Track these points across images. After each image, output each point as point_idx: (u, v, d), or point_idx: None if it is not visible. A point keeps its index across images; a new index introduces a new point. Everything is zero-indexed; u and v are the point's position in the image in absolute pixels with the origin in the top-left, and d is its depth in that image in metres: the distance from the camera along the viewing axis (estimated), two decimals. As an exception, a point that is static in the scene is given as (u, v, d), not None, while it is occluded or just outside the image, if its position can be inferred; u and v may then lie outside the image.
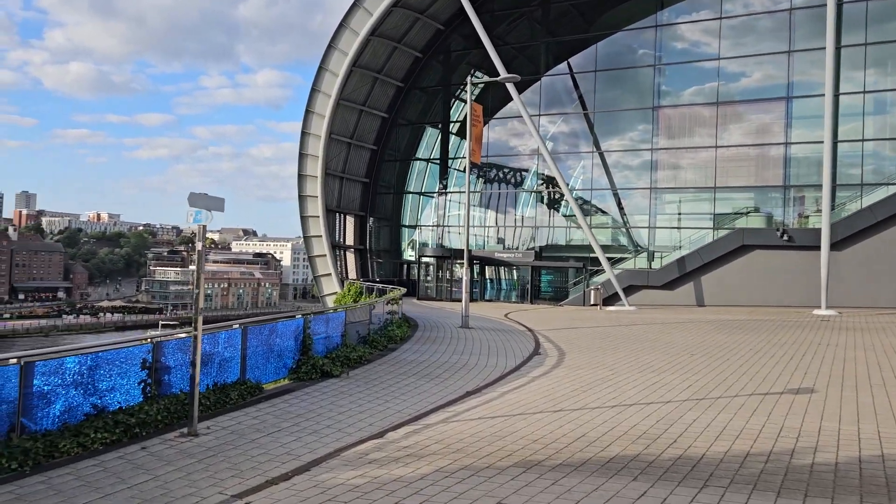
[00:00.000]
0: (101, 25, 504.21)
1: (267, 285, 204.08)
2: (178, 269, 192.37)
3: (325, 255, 43.00)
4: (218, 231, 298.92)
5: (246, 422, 10.10)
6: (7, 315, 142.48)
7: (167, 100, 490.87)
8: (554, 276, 42.22)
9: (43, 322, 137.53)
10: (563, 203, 42.65)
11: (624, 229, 41.15)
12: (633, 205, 41.09)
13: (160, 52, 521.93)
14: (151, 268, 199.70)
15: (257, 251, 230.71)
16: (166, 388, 10.07)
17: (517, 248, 42.70)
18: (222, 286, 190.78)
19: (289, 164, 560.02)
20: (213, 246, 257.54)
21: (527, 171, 45.54)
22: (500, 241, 44.92)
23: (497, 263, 42.88)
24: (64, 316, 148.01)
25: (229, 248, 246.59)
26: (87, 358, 8.79)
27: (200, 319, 9.36)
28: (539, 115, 42.38)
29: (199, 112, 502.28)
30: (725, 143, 37.93)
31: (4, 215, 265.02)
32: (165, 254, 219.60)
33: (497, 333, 22.51)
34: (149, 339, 9.83)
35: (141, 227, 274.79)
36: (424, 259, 43.16)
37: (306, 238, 43.30)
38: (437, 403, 11.75)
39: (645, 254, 39.71)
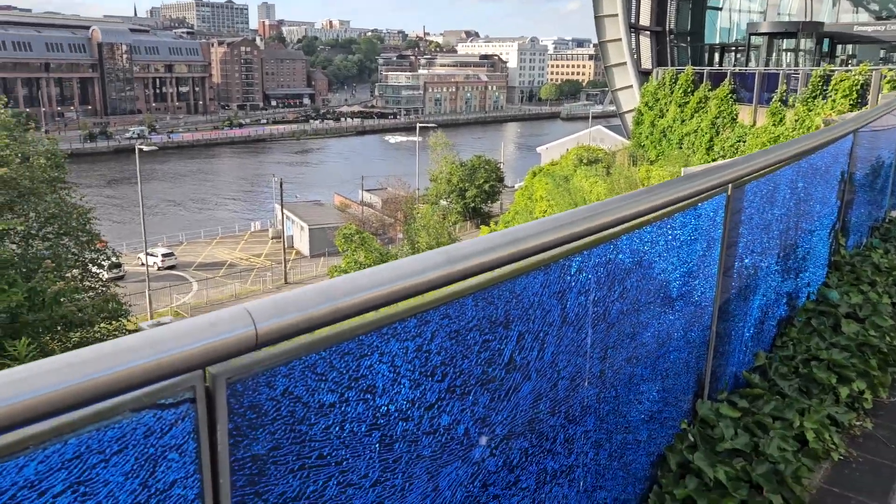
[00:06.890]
0: None
1: (493, 88, 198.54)
2: (408, 73, 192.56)
3: (619, 40, 35.24)
4: (441, 34, 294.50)
5: None
6: (264, 121, 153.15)
7: None
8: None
9: (294, 127, 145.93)
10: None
11: None
12: None
13: None
14: (383, 73, 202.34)
15: (482, 53, 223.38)
16: None
17: None
18: (450, 90, 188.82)
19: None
20: (437, 49, 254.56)
21: None
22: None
23: None
24: (311, 121, 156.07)
25: (454, 51, 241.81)
26: None
27: None
28: None
29: None
30: None
31: (250, 26, 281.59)
32: (394, 59, 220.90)
33: None
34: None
35: (369, 33, 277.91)
36: (754, 39, 33.40)
37: (598, 18, 35.47)
38: None
39: None
